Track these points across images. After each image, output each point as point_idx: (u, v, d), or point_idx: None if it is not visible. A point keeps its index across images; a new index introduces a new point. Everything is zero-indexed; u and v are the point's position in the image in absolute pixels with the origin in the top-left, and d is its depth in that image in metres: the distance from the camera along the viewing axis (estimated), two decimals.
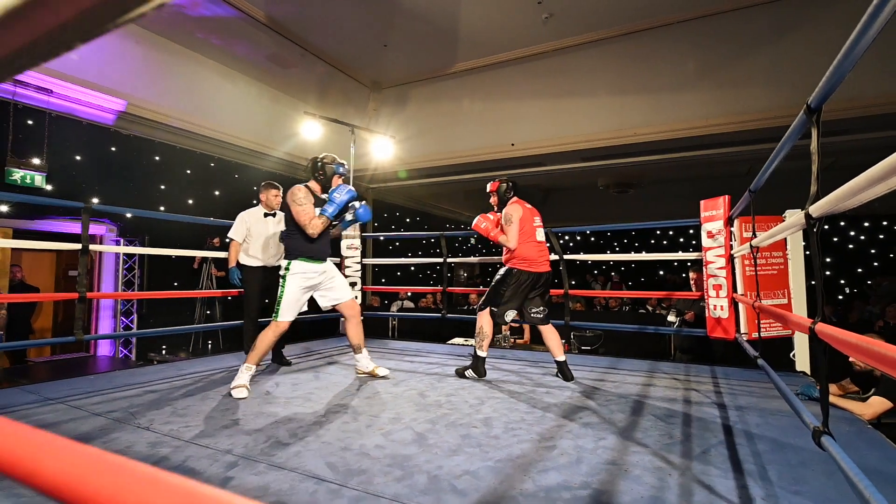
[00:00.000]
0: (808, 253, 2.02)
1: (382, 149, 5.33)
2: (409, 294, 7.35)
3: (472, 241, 12.80)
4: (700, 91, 5.15)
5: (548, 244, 3.21)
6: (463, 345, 4.55)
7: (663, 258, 4.38)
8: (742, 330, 3.17)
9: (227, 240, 3.39)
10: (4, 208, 4.56)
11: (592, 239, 13.06)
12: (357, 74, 6.81)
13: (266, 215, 3.44)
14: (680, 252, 10.77)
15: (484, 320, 2.99)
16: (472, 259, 6.60)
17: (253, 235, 3.37)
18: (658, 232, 12.11)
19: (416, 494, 1.43)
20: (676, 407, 2.39)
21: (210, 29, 5.26)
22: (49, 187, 4.72)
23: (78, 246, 2.89)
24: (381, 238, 7.84)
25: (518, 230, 2.94)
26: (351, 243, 4.56)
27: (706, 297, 3.33)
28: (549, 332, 3.02)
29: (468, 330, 4.94)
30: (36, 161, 4.62)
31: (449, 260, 4.59)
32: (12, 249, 5.03)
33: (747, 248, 2.48)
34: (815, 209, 1.15)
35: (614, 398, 2.55)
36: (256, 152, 6.79)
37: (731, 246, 3.24)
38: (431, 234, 5.24)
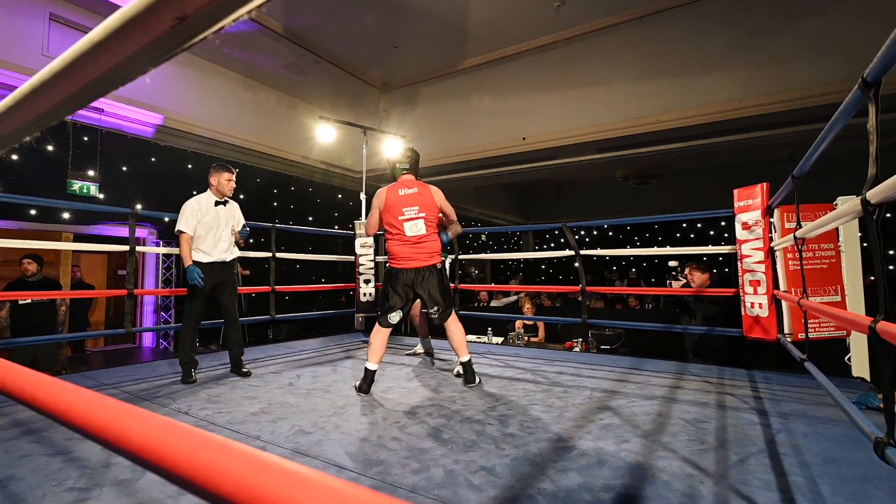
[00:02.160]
0: (865, 244, 1.86)
1: (393, 148, 5.50)
2: None
3: (483, 237, 12.68)
4: (731, 71, 4.92)
5: (444, 237, 2.84)
6: (475, 342, 4.46)
7: (684, 252, 4.21)
8: (786, 330, 2.98)
9: (177, 232, 2.90)
10: (66, 215, 5.34)
11: (611, 234, 12.82)
12: (368, 77, 7.04)
13: (217, 203, 3.00)
14: (710, 246, 10.57)
15: (374, 328, 2.70)
16: (482, 256, 6.54)
17: (204, 227, 2.92)
18: (685, 225, 11.81)
19: (433, 487, 1.45)
20: (709, 412, 2.25)
21: (234, 44, 5.70)
22: (101, 196, 5.40)
23: (126, 248, 3.27)
24: None
25: (376, 221, 2.72)
26: (365, 241, 4.55)
27: (741, 294, 3.16)
28: (451, 329, 2.72)
29: (480, 327, 4.86)
30: (90, 173, 5.29)
31: (460, 257, 4.53)
32: (72, 251, 5.73)
33: (791, 240, 2.31)
34: (874, 194, 1.06)
35: (637, 400, 2.43)
36: (274, 157, 7.26)
37: (771, 238, 3.05)
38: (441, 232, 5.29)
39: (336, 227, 8.10)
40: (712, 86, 4.99)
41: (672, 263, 4.60)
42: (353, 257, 4.66)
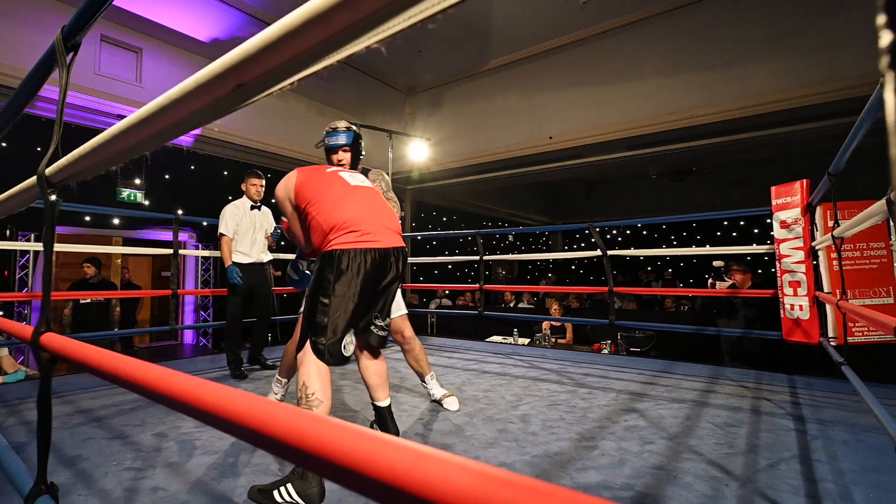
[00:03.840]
0: None
1: (419, 151, 5.72)
2: (447, 292, 7.42)
3: (510, 238, 12.65)
4: (770, 61, 4.75)
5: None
6: (501, 343, 4.50)
7: (715, 252, 4.11)
8: (830, 333, 2.89)
9: (219, 235, 3.17)
10: (116, 221, 5.81)
11: (644, 233, 12.52)
12: (393, 81, 7.21)
13: (252, 207, 3.27)
14: (754, 245, 10.15)
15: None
16: (509, 256, 6.57)
17: (241, 230, 3.20)
18: (725, 223, 11.38)
19: None
20: (741, 416, 2.23)
21: None
22: (147, 202, 5.83)
23: (171, 251, 3.51)
24: (419, 237, 8.05)
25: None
26: None
27: (780, 295, 3.08)
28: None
29: (506, 328, 4.91)
30: (137, 181, 5.73)
31: (486, 258, 4.59)
32: (122, 254, 6.19)
33: (829, 240, 2.26)
34: None
35: (665, 403, 2.43)
36: (305, 162, 7.45)
37: (813, 237, 2.96)
38: (468, 233, 5.36)
39: None
40: (750, 78, 4.83)
41: (716, 263, 4.50)
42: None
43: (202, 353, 5.37)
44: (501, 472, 0.23)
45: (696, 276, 11.27)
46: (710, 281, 4.56)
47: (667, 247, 11.99)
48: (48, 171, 0.78)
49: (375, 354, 1.84)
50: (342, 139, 2.10)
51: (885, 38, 0.18)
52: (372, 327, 1.71)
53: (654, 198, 10.49)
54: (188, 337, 7.01)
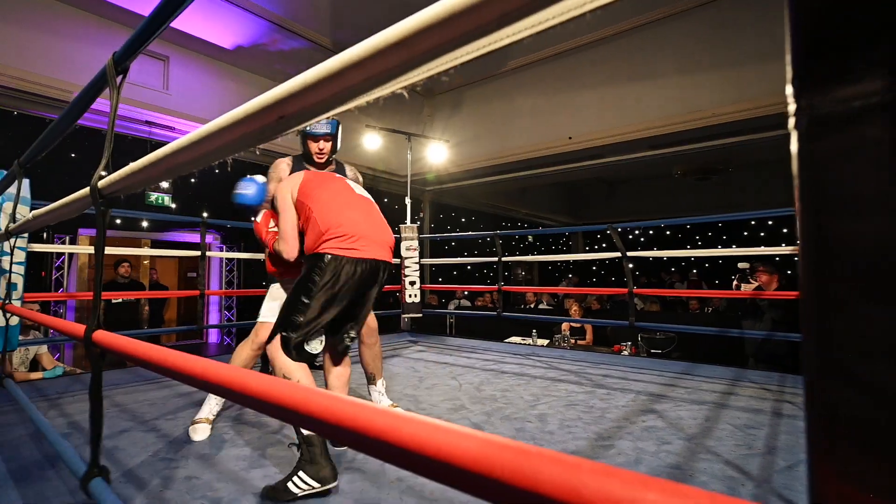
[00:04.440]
0: None
1: (437, 153, 5.80)
2: (466, 293, 7.48)
3: (530, 239, 12.62)
4: None
5: None
6: (520, 343, 4.54)
7: (738, 254, 4.06)
8: None
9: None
10: (145, 224, 6.05)
11: (668, 233, 12.32)
12: (413, 84, 7.32)
13: None
14: (784, 245, 9.90)
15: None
16: (528, 258, 6.57)
17: None
18: (753, 223, 11.12)
19: None
20: (762, 418, 2.22)
21: (286, 60, 6.10)
22: (173, 206, 6.05)
23: (198, 253, 3.64)
24: (438, 238, 8.14)
25: None
26: (410, 245, 4.78)
27: None
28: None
29: (524, 329, 4.94)
30: (164, 185, 5.93)
31: (504, 259, 4.63)
32: (151, 256, 6.48)
33: None
34: None
35: (685, 404, 2.44)
36: None
37: None
38: (486, 234, 5.42)
39: None
40: (775, 74, 4.74)
41: (742, 265, 4.43)
42: (397, 260, 4.90)
43: (227, 352, 5.57)
44: (501, 439, 0.29)
45: (723, 277, 11.05)
46: (734, 282, 4.50)
47: (691, 247, 11.78)
48: (100, 183, 0.87)
49: (339, 361, 1.80)
50: (325, 127, 1.94)
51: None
52: (344, 335, 1.69)
53: (678, 198, 10.34)
54: (213, 336, 7.26)
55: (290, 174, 1.99)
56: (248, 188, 1.96)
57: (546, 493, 0.24)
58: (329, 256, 1.52)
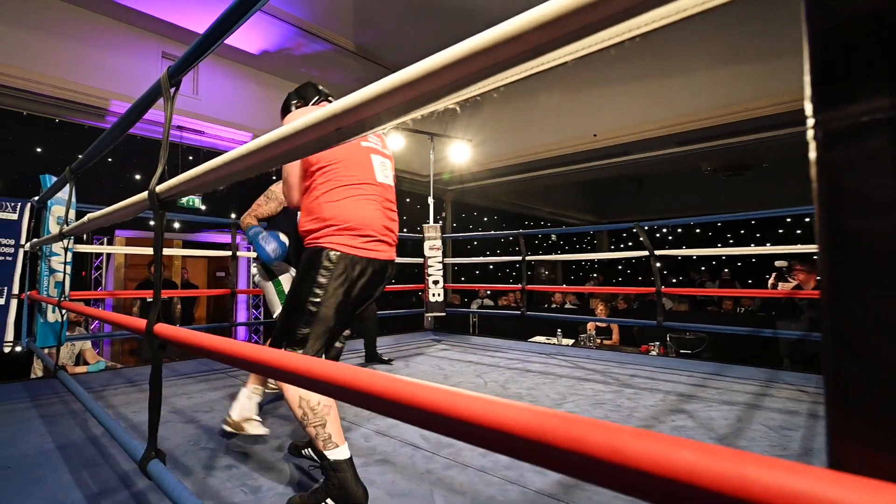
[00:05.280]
0: None
1: (460, 152, 5.85)
2: (489, 292, 7.50)
3: (553, 238, 12.54)
4: None
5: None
6: (545, 343, 4.54)
7: (775, 252, 3.97)
8: None
9: None
10: (177, 225, 6.29)
11: (698, 231, 12.05)
12: None
13: None
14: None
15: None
16: (552, 257, 6.54)
17: None
18: (789, 220, 10.77)
19: (499, 469, 1.63)
20: (797, 420, 2.19)
21: (310, 63, 6.28)
22: (204, 207, 6.31)
23: (229, 253, 3.85)
24: (461, 238, 8.21)
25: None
26: (433, 244, 4.85)
27: None
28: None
29: (549, 328, 4.94)
30: None
31: (528, 258, 4.65)
32: (182, 256, 6.77)
33: None
34: None
35: (716, 405, 2.42)
36: None
37: None
38: (510, 233, 5.42)
39: (404, 231, 8.54)
40: None
41: (779, 263, 4.34)
42: (421, 259, 4.96)
43: None
44: (548, 410, 0.33)
45: (757, 276, 10.74)
46: (770, 281, 4.40)
47: (722, 245, 11.48)
48: (158, 188, 0.95)
49: None
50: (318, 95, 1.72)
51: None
52: (336, 341, 1.53)
53: (709, 195, 10.10)
54: (242, 334, 7.50)
55: None
56: (268, 244, 1.98)
57: (593, 453, 0.28)
58: (339, 255, 1.33)
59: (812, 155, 0.28)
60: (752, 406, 2.40)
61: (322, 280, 1.31)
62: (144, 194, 1.00)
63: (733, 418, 2.19)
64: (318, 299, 1.31)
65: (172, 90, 1.00)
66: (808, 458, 1.75)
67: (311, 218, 1.38)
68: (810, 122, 0.27)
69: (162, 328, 0.92)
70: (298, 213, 1.54)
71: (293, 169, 1.46)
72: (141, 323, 0.98)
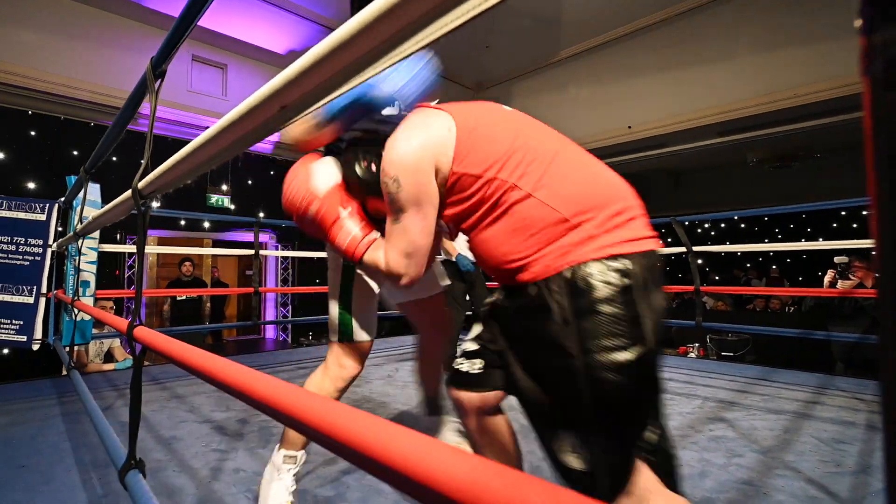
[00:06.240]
0: None
1: None
2: None
3: None
4: None
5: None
6: None
7: (827, 247, 3.67)
8: None
9: None
10: (206, 224, 6.52)
11: (743, 226, 11.46)
12: (461, 79, 7.27)
13: None
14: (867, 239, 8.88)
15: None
16: None
17: None
18: (843, 213, 10.08)
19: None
20: (853, 432, 2.00)
21: None
22: (233, 207, 6.50)
23: (252, 252, 3.85)
24: None
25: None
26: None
27: None
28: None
29: None
30: (224, 187, 6.40)
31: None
32: (212, 254, 7.01)
33: None
34: None
35: (760, 413, 2.24)
36: None
37: None
38: None
39: None
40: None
41: (839, 259, 4.04)
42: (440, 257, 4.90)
43: (283, 347, 5.93)
44: (492, 464, 0.26)
45: (809, 273, 10.12)
46: (826, 279, 4.09)
47: (770, 241, 10.89)
48: (140, 184, 0.91)
49: None
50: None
51: None
52: None
53: (754, 187, 9.58)
54: (270, 332, 7.66)
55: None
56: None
57: None
58: (614, 265, 0.78)
59: (865, 99, 0.19)
60: (801, 415, 2.22)
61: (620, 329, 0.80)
62: (129, 192, 0.97)
63: (780, 429, 2.02)
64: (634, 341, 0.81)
65: (157, 82, 0.96)
66: (864, 476, 1.58)
67: (522, 234, 0.85)
68: (862, 45, 0.18)
69: (142, 332, 0.89)
70: None
71: (420, 227, 0.90)
72: (123, 324, 0.96)
